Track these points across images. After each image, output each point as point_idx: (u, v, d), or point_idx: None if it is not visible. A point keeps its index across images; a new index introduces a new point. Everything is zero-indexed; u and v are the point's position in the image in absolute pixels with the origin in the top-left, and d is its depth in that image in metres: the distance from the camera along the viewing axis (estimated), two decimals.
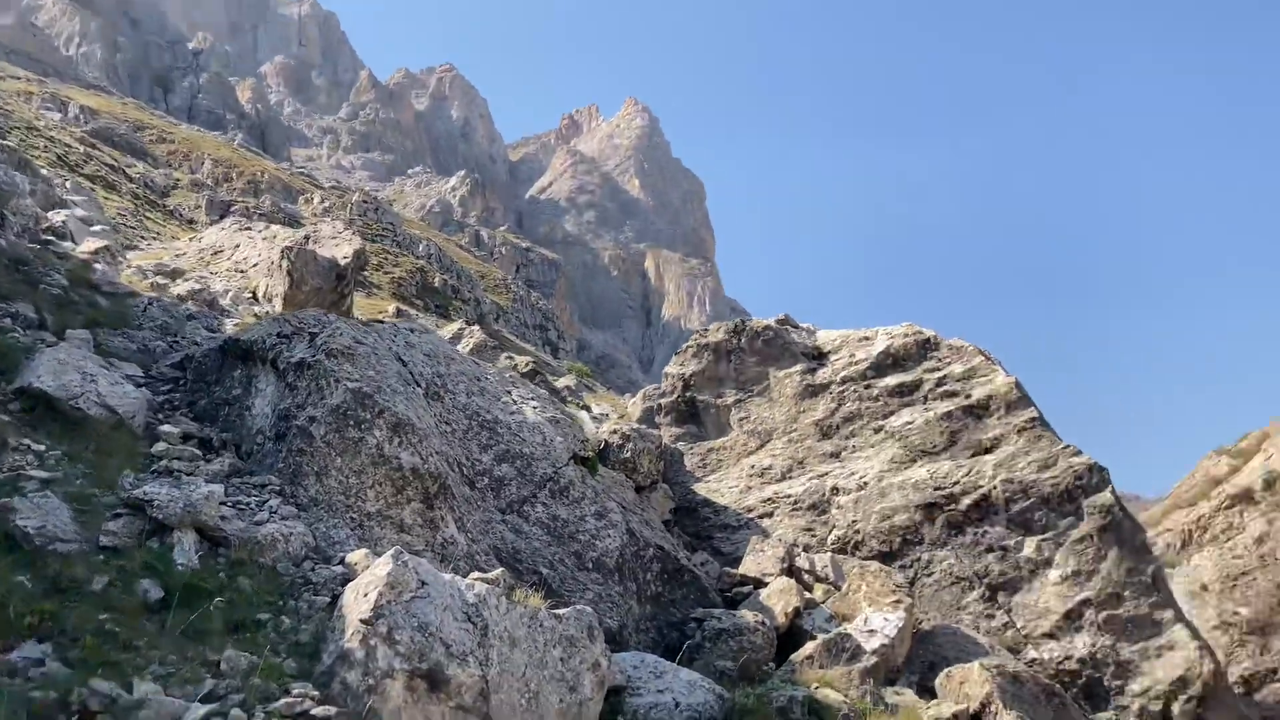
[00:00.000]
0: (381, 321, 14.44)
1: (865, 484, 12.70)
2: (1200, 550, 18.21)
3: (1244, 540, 18.05)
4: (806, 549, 12.25)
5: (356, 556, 7.58)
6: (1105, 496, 11.79)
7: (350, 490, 8.58)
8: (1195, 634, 11.20)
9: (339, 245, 16.78)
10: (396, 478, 8.73)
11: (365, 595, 6.51)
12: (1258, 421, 23.31)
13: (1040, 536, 11.78)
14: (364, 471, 8.67)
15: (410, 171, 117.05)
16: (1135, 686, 10.73)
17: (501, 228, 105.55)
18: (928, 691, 9.70)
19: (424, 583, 6.69)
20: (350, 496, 8.55)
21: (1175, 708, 10.50)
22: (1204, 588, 17.26)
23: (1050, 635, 11.24)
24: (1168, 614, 11.19)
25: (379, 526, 8.56)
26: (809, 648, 9.32)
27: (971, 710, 8.61)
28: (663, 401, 15.33)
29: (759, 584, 11.05)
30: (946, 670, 9.31)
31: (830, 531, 12.51)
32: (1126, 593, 11.24)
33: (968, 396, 13.12)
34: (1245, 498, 18.90)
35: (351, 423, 8.79)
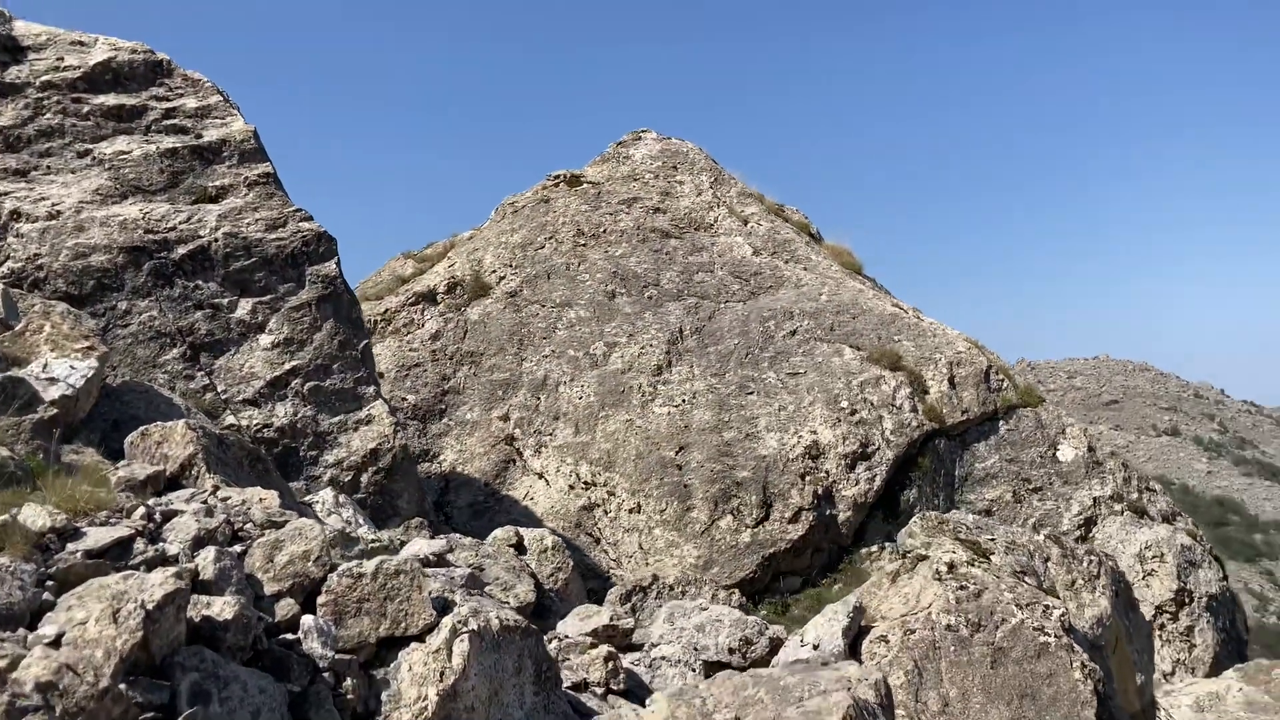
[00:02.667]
0: None
1: (59, 213, 10.51)
2: (383, 340, 19.13)
3: (421, 335, 19.40)
4: None
5: None
6: (330, 267, 11.42)
7: None
8: (392, 411, 11.58)
9: None
10: None
11: None
12: (444, 233, 25.38)
13: (257, 299, 10.98)
14: None
15: None
16: (329, 457, 10.72)
17: None
18: (113, 453, 8.42)
19: None
20: None
21: (364, 478, 10.75)
22: (381, 375, 18.14)
23: (252, 402, 10.63)
24: (370, 389, 11.36)
25: None
26: None
27: (170, 472, 7.63)
28: None
29: None
30: (142, 429, 8.12)
31: (4, 263, 10.15)
32: (335, 365, 11.09)
33: (199, 136, 11.58)
34: (428, 298, 20.30)
35: None
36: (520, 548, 10.64)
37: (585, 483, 17.10)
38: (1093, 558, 9.22)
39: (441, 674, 5.90)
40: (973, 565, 8.33)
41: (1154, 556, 16.44)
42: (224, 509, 6.72)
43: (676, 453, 16.75)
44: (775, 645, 7.87)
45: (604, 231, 21.71)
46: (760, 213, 23.61)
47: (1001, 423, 18.13)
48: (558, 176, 23.38)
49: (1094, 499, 17.30)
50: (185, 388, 10.31)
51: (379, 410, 11.17)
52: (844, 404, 17.12)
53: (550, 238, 21.47)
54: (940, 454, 17.41)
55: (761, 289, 20.59)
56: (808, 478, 16.16)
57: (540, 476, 17.49)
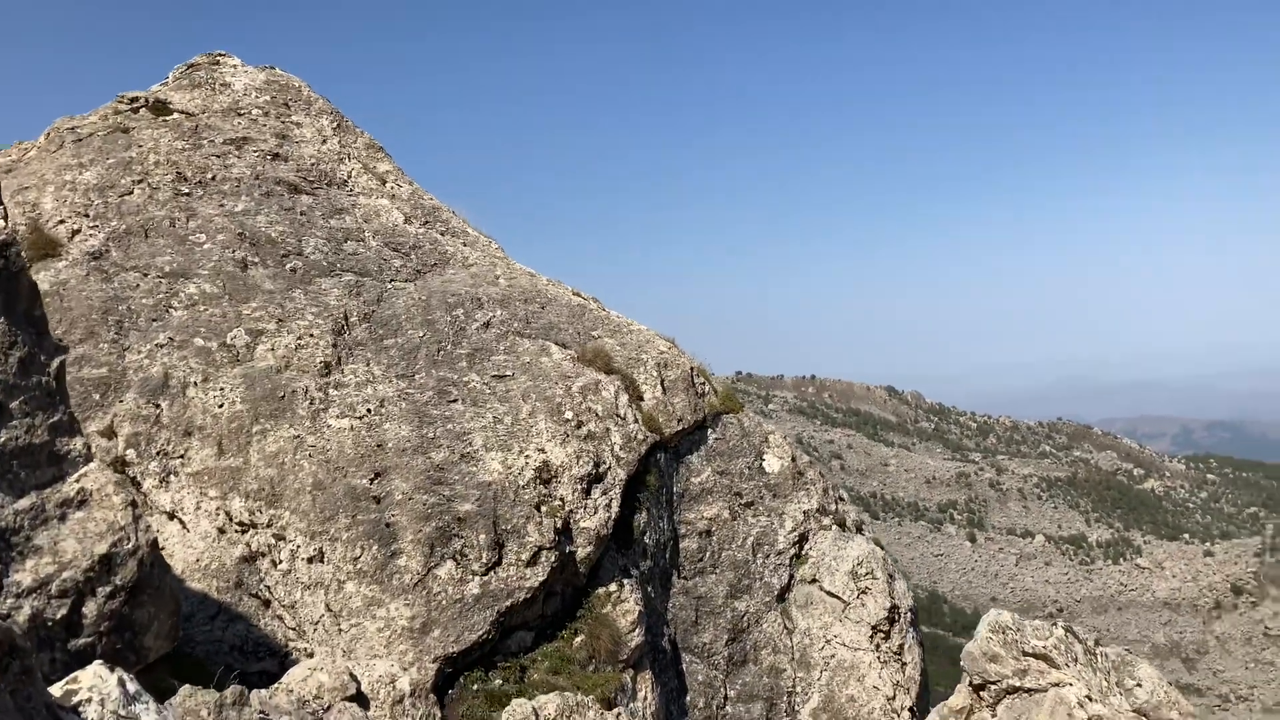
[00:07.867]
0: None
1: None
2: None
3: None
4: None
5: None
6: None
7: None
8: (120, 479, 6.67)
9: None
10: None
11: None
12: None
13: None
14: None
15: None
16: (23, 576, 5.69)
17: None
18: None
19: None
20: None
21: (89, 608, 5.85)
22: None
23: None
24: (77, 443, 6.35)
25: None
26: None
27: None
28: None
29: None
30: None
31: None
32: (17, 404, 6.01)
33: None
34: None
35: None
36: (360, 699, 6.75)
37: (241, 524, 12.56)
38: (1104, 651, 7.74)
39: None
40: (1091, 700, 6.35)
41: (866, 574, 15.89)
42: None
43: (372, 480, 12.85)
44: None
45: (213, 178, 16.59)
46: (395, 171, 19.79)
47: (709, 431, 16.54)
48: (135, 100, 17.56)
49: (804, 513, 16.39)
50: None
51: (98, 479, 6.29)
52: (568, 415, 14.37)
53: (140, 181, 15.90)
54: (662, 469, 15.38)
55: (426, 266, 17.00)
56: (543, 508, 13.22)
57: (172, 516, 12.56)
